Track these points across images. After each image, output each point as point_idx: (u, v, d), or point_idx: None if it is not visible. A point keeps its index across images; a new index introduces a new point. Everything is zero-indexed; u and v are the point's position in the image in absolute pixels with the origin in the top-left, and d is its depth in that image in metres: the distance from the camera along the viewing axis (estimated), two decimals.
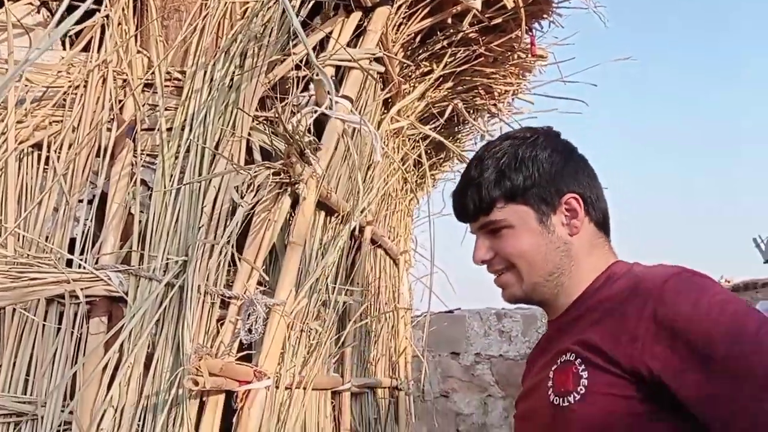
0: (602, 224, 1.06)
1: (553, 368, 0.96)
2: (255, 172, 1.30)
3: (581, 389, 0.90)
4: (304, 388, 1.27)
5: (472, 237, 1.09)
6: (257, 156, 1.45)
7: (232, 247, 1.26)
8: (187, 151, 1.38)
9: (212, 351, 1.01)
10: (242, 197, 1.31)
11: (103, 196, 1.41)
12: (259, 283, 1.27)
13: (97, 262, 1.31)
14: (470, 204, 1.03)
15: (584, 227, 1.03)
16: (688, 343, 0.84)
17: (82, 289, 1.24)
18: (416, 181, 2.72)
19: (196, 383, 0.92)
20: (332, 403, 1.50)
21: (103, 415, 1.12)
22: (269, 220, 1.26)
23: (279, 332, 1.13)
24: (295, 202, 1.31)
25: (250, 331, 1.06)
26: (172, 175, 1.35)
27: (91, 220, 1.40)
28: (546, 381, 0.97)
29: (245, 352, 1.15)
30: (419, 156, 2.34)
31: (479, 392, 4.76)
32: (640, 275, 0.96)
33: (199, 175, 1.34)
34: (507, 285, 1.06)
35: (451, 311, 4.98)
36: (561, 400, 0.92)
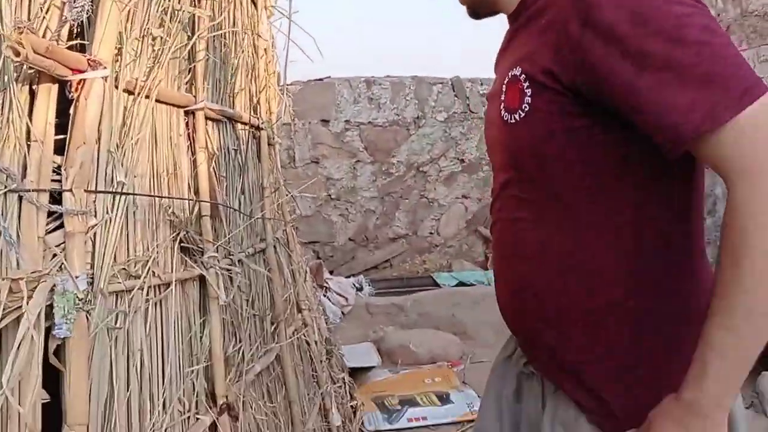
0: None
1: (505, 81, 0.94)
2: None
3: (525, 107, 0.90)
4: (148, 97, 1.24)
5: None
6: None
7: None
8: None
9: (37, 30, 0.93)
10: None
11: None
12: None
13: None
14: None
15: None
16: (611, 34, 0.79)
17: None
18: None
19: (17, 54, 0.85)
20: (185, 120, 1.48)
21: None
22: None
23: (112, 18, 1.06)
24: None
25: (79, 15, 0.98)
26: None
27: None
28: (500, 94, 0.96)
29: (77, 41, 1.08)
30: None
31: (349, 158, 4.92)
32: None
33: None
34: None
35: (320, 79, 4.94)
36: (509, 116, 0.93)
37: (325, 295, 4.50)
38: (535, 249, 0.94)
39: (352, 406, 3.00)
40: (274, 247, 2.29)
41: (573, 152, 0.88)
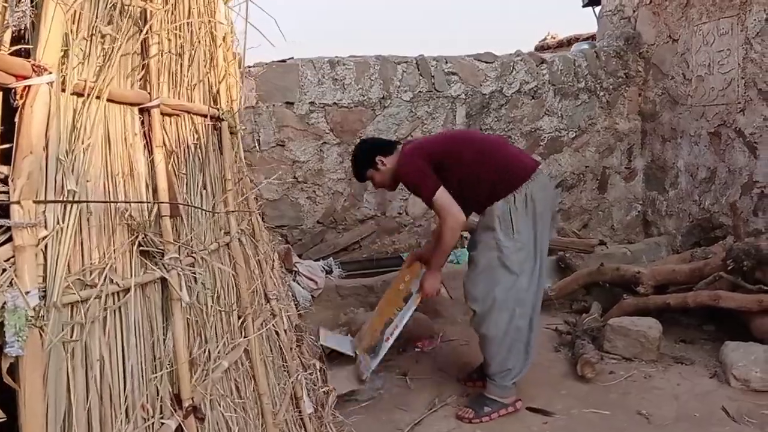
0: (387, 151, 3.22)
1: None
2: None
3: None
4: (99, 98, 1.19)
5: None
6: None
7: None
8: None
9: None
10: None
11: None
12: None
13: None
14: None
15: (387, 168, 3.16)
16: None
17: None
18: None
19: None
20: (141, 119, 1.44)
21: None
22: None
23: (56, 20, 1.02)
24: None
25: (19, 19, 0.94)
26: None
27: None
28: None
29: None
30: None
31: (314, 140, 4.87)
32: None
33: None
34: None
35: (283, 60, 4.86)
36: None
37: (294, 280, 4.48)
38: None
39: (324, 392, 3.00)
40: (239, 239, 2.27)
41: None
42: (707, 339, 3.91)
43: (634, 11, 5.72)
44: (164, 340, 1.45)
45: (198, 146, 1.86)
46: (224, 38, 2.37)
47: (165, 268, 1.42)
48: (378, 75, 4.94)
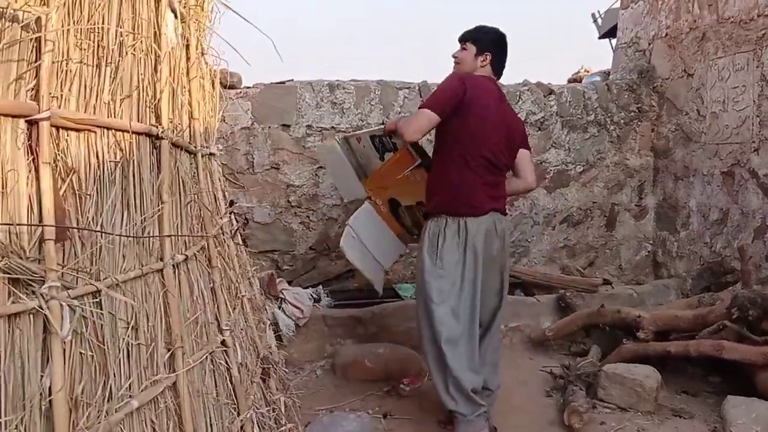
0: (496, 71, 3.11)
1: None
2: None
3: None
4: None
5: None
6: None
7: None
8: None
9: None
10: None
11: None
12: None
13: None
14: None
15: (487, 68, 3.05)
16: None
17: None
18: None
19: None
20: (27, 132, 1.31)
21: None
22: None
23: None
24: None
25: None
26: None
27: None
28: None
29: None
30: None
31: (310, 164, 4.75)
32: None
33: None
34: (455, 66, 3.12)
35: (282, 82, 4.78)
36: None
37: (279, 307, 4.33)
38: None
39: (288, 430, 2.83)
40: (180, 265, 2.12)
41: None
42: (712, 391, 3.66)
43: (649, 44, 5.54)
44: (41, 377, 1.31)
45: (121, 164, 1.72)
46: (186, 52, 2.26)
47: (43, 298, 1.28)
48: (378, 100, 4.82)
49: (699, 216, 4.98)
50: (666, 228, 5.41)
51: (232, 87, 4.67)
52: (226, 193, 4.07)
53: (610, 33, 6.70)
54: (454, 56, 3.13)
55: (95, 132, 1.59)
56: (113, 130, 1.68)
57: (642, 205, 5.54)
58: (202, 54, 3.07)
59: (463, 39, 3.09)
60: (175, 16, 2.33)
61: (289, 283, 4.66)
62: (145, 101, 1.93)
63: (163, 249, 1.97)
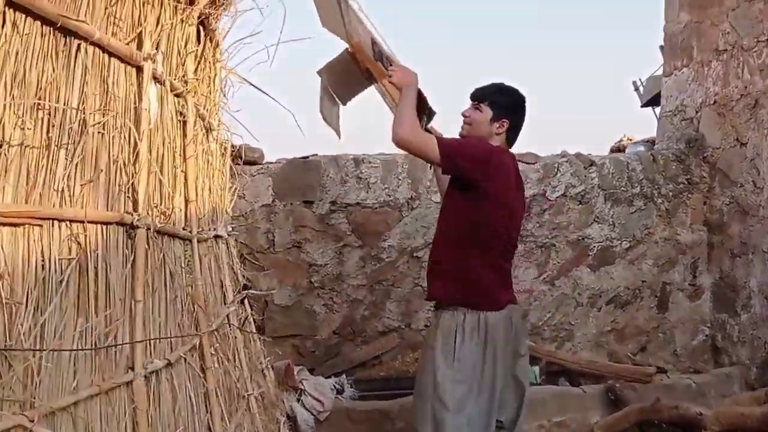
0: (510, 140, 2.69)
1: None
2: None
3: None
4: None
5: None
6: None
7: None
8: None
9: None
10: None
11: None
12: None
13: None
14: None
15: (501, 135, 2.63)
16: None
17: None
18: None
19: None
20: None
21: None
22: None
23: None
24: None
25: None
26: None
27: None
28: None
29: None
30: None
31: (334, 242, 4.48)
32: None
33: None
34: (464, 128, 2.68)
35: (306, 157, 4.58)
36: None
37: (298, 400, 3.97)
38: None
39: None
40: (159, 372, 1.82)
41: None
42: None
43: (696, 112, 5.21)
44: None
45: (78, 261, 1.45)
46: (164, 129, 2.03)
47: None
48: (406, 174, 4.57)
49: (761, 297, 4.50)
50: (725, 310, 4.92)
51: (253, 162, 4.48)
52: (239, 276, 3.80)
53: (653, 101, 6.41)
54: (464, 115, 2.68)
55: (39, 225, 1.33)
56: (67, 222, 1.42)
57: (696, 285, 5.08)
58: (208, 130, 2.85)
59: (478, 98, 2.65)
60: (170, 90, 2.12)
61: (311, 371, 4.31)
62: (118, 185, 1.68)
63: (134, 357, 1.67)
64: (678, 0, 5.46)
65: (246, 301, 3.66)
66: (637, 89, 6.81)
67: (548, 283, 4.86)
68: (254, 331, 3.52)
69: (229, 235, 3.82)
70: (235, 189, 4.19)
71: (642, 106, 6.65)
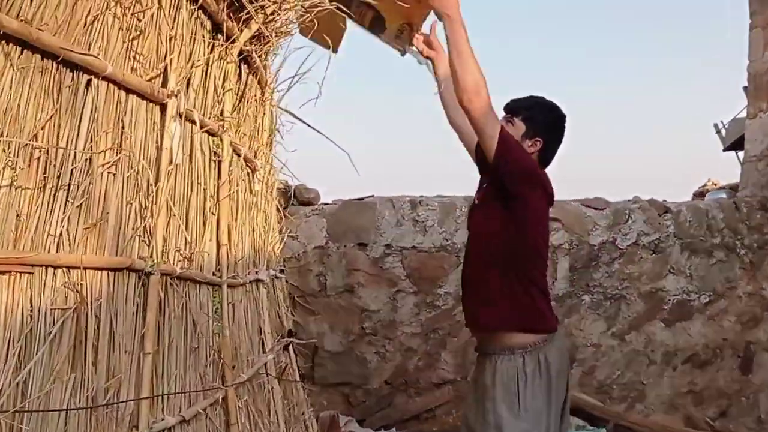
0: (543, 162, 2.35)
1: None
2: None
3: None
4: None
5: None
6: None
7: None
8: None
9: None
10: None
11: None
12: None
13: None
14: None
15: (533, 156, 2.30)
16: None
17: None
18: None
19: None
20: None
21: None
22: None
23: None
24: None
25: None
26: None
27: None
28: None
29: None
30: None
31: (388, 287, 4.31)
32: None
33: None
34: None
35: (361, 198, 4.46)
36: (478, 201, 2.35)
37: None
38: None
39: None
40: (171, 430, 1.69)
41: None
42: None
43: None
44: None
45: (75, 311, 1.34)
46: (194, 169, 1.93)
47: None
48: (465, 218, 4.37)
49: None
50: None
51: (308, 203, 4.39)
52: (284, 321, 3.67)
53: (736, 144, 6.00)
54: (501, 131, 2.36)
55: (30, 273, 1.22)
56: (63, 268, 1.31)
57: None
58: (252, 170, 2.76)
59: (512, 111, 2.35)
60: (201, 128, 2.02)
61: (361, 423, 4.12)
62: (133, 229, 1.57)
63: (138, 414, 1.54)
64: (763, 39, 5.12)
65: (290, 347, 3.52)
66: (719, 132, 6.41)
67: (618, 337, 4.52)
68: (297, 379, 3.37)
69: (277, 277, 3.71)
70: (287, 230, 4.09)
71: (724, 150, 6.24)
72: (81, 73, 1.31)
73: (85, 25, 1.32)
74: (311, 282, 4.28)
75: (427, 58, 2.59)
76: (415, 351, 4.34)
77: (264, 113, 3.10)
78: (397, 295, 4.32)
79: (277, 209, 3.96)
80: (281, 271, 4.02)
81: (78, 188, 1.34)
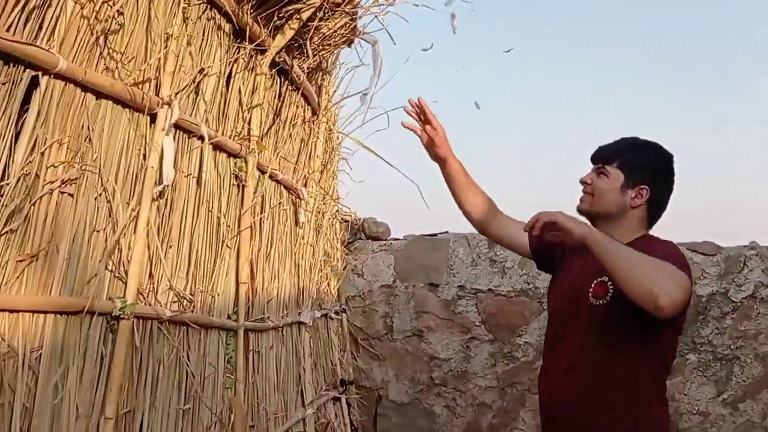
0: (653, 215, 1.89)
1: (593, 282, 1.78)
2: None
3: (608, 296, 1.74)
4: None
5: None
6: None
7: None
8: None
9: None
10: None
11: None
12: None
13: None
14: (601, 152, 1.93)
15: (640, 209, 1.85)
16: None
17: None
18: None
19: None
20: None
21: None
22: None
23: None
24: None
25: None
26: None
27: None
28: (587, 287, 1.79)
29: None
30: None
31: (461, 333, 3.92)
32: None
33: None
34: (584, 199, 1.90)
35: (434, 234, 4.11)
36: (596, 301, 1.76)
37: None
38: None
39: None
40: None
41: None
42: None
43: None
44: None
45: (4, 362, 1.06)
46: (204, 192, 1.65)
47: None
48: None
49: None
50: None
51: (376, 238, 4.09)
52: (337, 369, 3.33)
53: None
54: (583, 182, 1.92)
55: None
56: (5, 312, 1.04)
57: None
58: (298, 198, 2.48)
59: (604, 159, 1.90)
60: (214, 147, 1.75)
61: None
62: (100, 262, 1.29)
63: None
64: None
65: (342, 399, 3.18)
66: None
67: (730, 405, 3.88)
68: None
69: (331, 318, 3.40)
70: (349, 267, 3.79)
71: None
72: (21, 67, 1.07)
73: (24, 8, 1.06)
74: (377, 323, 3.96)
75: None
76: (490, 407, 3.91)
77: (317, 137, 2.82)
78: (471, 342, 3.92)
79: (342, 243, 3.67)
80: (340, 311, 3.70)
81: (12, 210, 1.07)
